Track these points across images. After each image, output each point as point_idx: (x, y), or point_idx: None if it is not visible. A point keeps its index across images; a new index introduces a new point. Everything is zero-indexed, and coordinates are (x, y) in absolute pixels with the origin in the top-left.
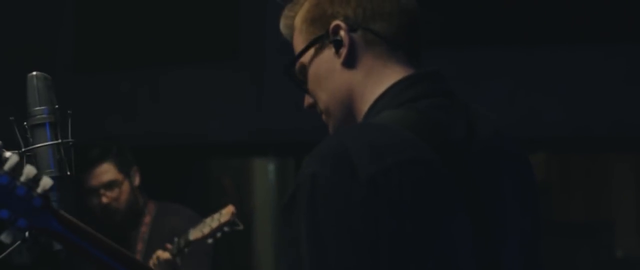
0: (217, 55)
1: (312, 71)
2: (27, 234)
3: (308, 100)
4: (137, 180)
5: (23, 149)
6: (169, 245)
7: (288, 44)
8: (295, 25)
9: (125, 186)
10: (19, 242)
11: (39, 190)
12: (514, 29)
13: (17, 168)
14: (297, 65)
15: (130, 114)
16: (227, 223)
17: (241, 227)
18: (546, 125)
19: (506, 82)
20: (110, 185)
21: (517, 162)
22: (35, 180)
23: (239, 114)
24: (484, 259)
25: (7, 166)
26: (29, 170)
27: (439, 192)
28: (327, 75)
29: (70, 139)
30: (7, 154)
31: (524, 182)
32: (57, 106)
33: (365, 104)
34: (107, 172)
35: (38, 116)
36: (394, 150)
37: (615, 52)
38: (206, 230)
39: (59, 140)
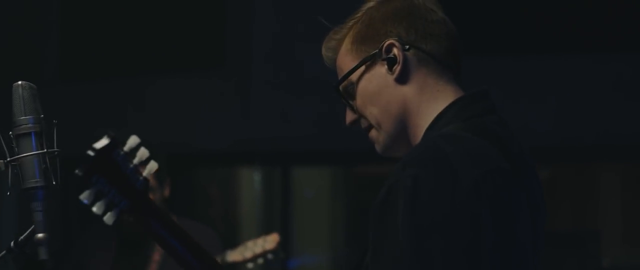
0: (203, 64)
1: (362, 87)
2: (12, 243)
3: (351, 116)
4: (167, 191)
5: (8, 159)
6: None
7: (274, 54)
8: (343, 46)
9: (157, 195)
10: (4, 252)
11: (145, 173)
12: (502, 38)
13: (135, 150)
14: (345, 83)
15: (116, 123)
16: (271, 251)
17: (283, 255)
18: (533, 135)
19: (494, 92)
20: None
21: (537, 177)
22: (145, 163)
23: (225, 123)
24: (534, 263)
25: (127, 146)
26: (143, 153)
27: (516, 201)
28: (379, 90)
29: (55, 149)
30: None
31: (542, 195)
32: (42, 115)
33: (422, 118)
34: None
35: (23, 125)
36: (488, 158)
37: (603, 62)
38: (248, 254)
39: (45, 150)
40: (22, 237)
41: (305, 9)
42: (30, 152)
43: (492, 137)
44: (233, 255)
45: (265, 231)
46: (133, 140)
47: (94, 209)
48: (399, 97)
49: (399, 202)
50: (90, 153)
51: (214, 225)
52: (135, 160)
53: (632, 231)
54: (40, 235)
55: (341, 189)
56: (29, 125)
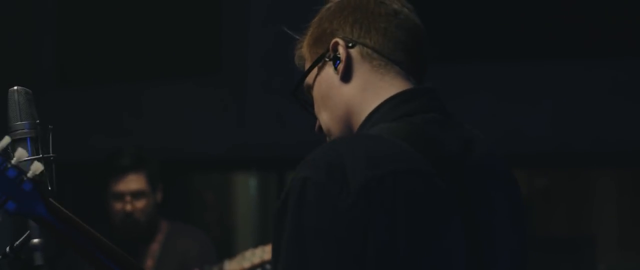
0: (198, 70)
1: (315, 91)
2: (8, 248)
3: (318, 123)
4: (160, 197)
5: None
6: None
7: (269, 60)
8: (303, 52)
9: (150, 199)
10: (0, 258)
11: (30, 174)
12: (497, 44)
13: (8, 150)
14: (305, 88)
15: (112, 129)
16: (269, 261)
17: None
18: (528, 141)
19: (489, 98)
20: (138, 194)
21: (506, 181)
22: (27, 164)
23: (221, 129)
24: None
25: None
26: (21, 153)
27: (435, 205)
28: (328, 92)
29: (51, 154)
30: None
31: (513, 201)
32: (38, 121)
33: (362, 116)
34: (137, 180)
35: (19, 131)
36: (390, 160)
37: (598, 67)
38: (246, 264)
39: (40, 155)
40: (17, 243)
41: (300, 15)
42: (26, 158)
43: (418, 138)
44: (231, 265)
45: (261, 237)
46: (5, 141)
47: None
48: (343, 98)
49: (288, 208)
50: None
51: (209, 230)
52: (14, 161)
53: (627, 237)
54: (35, 240)
55: None
56: (25, 130)
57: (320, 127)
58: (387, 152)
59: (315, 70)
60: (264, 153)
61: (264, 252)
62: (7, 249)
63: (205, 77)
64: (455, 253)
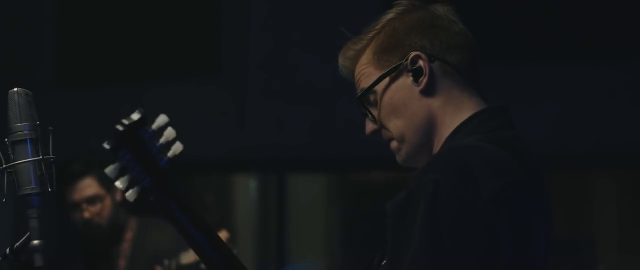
0: (199, 72)
1: (386, 99)
2: (8, 250)
3: (371, 127)
4: (119, 195)
5: (4, 165)
6: (158, 268)
7: (269, 62)
8: (364, 57)
9: (108, 201)
10: (0, 259)
11: (170, 154)
12: (497, 46)
13: (162, 129)
14: (368, 92)
15: (111, 131)
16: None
17: (235, 251)
18: (529, 142)
19: (489, 99)
20: (93, 200)
21: (545, 189)
22: (171, 142)
23: (221, 130)
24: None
25: (155, 125)
26: (170, 132)
27: (532, 212)
28: (404, 102)
29: (51, 155)
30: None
31: (550, 205)
32: (38, 122)
33: (445, 129)
34: (89, 186)
35: (19, 132)
36: (508, 170)
37: (599, 69)
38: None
39: (40, 157)
40: (17, 244)
41: (301, 18)
42: (25, 159)
43: (511, 150)
44: (186, 257)
45: (261, 238)
46: (162, 119)
47: (118, 183)
48: (424, 109)
49: (419, 205)
50: (119, 127)
51: None
52: (162, 140)
53: (627, 238)
54: (35, 242)
55: (336, 197)
56: (25, 132)
57: (374, 130)
58: (502, 163)
59: (386, 79)
60: (264, 155)
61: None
62: (7, 250)
63: (206, 78)
64: (541, 258)
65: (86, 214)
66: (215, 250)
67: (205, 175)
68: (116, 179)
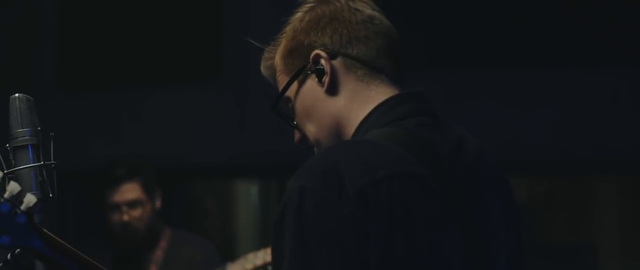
0: (200, 77)
1: (298, 104)
2: (9, 256)
3: (297, 135)
4: (158, 203)
5: (5, 171)
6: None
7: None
8: (276, 64)
9: (148, 207)
10: (1, 265)
11: (23, 207)
12: (498, 51)
13: (2, 184)
14: (284, 101)
15: (113, 136)
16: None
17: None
18: (530, 148)
19: (490, 104)
20: (134, 204)
21: (498, 180)
22: (19, 197)
23: (222, 136)
24: None
25: None
26: (13, 187)
27: (431, 208)
28: (313, 105)
29: (52, 161)
30: None
31: (507, 202)
32: (39, 128)
33: (352, 127)
34: (132, 190)
35: (20, 138)
36: (385, 165)
37: (599, 75)
38: (248, 266)
39: (42, 162)
40: (18, 250)
41: None
42: (27, 165)
43: (410, 142)
44: (234, 268)
45: (262, 243)
46: None
47: None
48: (331, 110)
49: (288, 218)
50: None
51: (210, 237)
52: (6, 195)
53: (628, 244)
54: None
55: None
56: (26, 137)
57: (301, 139)
58: (381, 157)
59: (295, 83)
60: (265, 160)
61: (266, 254)
62: (8, 256)
63: (206, 84)
64: (454, 256)
65: (126, 217)
66: None
67: (206, 181)
68: None
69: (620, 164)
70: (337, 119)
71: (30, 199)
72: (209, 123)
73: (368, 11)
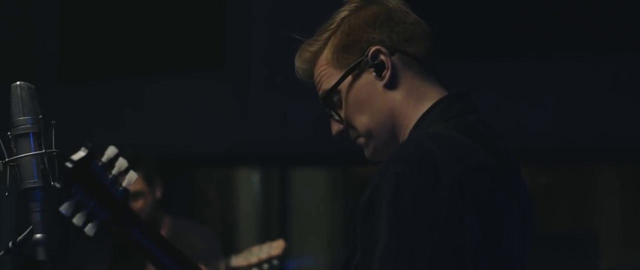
0: (202, 66)
1: (351, 97)
2: (10, 243)
3: (337, 127)
4: (159, 193)
5: (7, 159)
6: (203, 268)
7: (272, 56)
8: (323, 57)
9: (149, 198)
10: (2, 253)
11: (125, 183)
12: (500, 40)
13: (113, 160)
14: (331, 93)
15: (114, 125)
16: (276, 257)
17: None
18: (531, 137)
19: (491, 94)
20: (136, 195)
21: (521, 177)
22: (124, 173)
23: (224, 124)
24: (523, 263)
25: (105, 157)
26: (121, 163)
27: (504, 197)
28: (369, 98)
29: (54, 149)
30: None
31: (528, 196)
32: (41, 116)
33: (409, 120)
34: (135, 182)
35: (22, 126)
36: (469, 155)
37: (601, 64)
38: (253, 259)
39: (43, 150)
40: (20, 238)
41: (303, 12)
42: (28, 153)
43: (476, 135)
44: (237, 261)
45: (264, 233)
46: (111, 151)
47: (74, 220)
48: (388, 103)
49: (383, 199)
50: (69, 165)
51: (212, 226)
52: (114, 171)
53: (630, 233)
54: (38, 235)
55: (339, 190)
56: (28, 125)
57: (341, 130)
58: (464, 148)
59: (349, 77)
60: (267, 149)
61: (271, 248)
62: (10, 244)
63: (208, 73)
64: (518, 243)
65: None
66: (176, 262)
67: (207, 170)
68: (72, 216)
69: (621, 153)
70: (393, 112)
71: (132, 176)
72: (210, 112)
73: (413, 14)
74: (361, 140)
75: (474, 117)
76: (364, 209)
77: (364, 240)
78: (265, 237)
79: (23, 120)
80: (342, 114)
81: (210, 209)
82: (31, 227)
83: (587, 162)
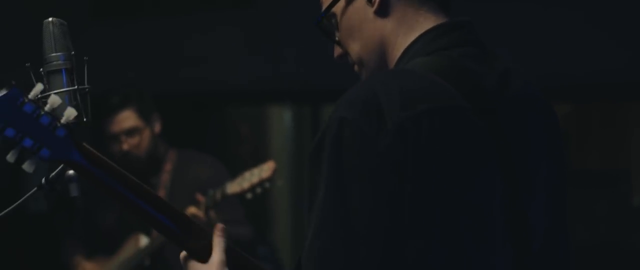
0: (235, 2)
1: (344, 22)
2: (43, 180)
3: (338, 51)
4: (157, 127)
5: (39, 95)
6: (200, 197)
7: None
8: None
9: (146, 133)
10: (35, 189)
11: (63, 120)
12: None
13: (43, 97)
14: (328, 16)
15: (146, 62)
16: (267, 179)
17: (280, 183)
18: (564, 74)
19: (525, 32)
20: (131, 132)
21: (543, 112)
22: (60, 110)
23: (256, 62)
24: (511, 211)
25: (32, 94)
26: (54, 99)
27: (471, 142)
28: (360, 25)
29: (86, 86)
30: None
31: (550, 132)
32: (73, 52)
33: (398, 51)
34: (128, 118)
35: (54, 62)
36: (426, 98)
37: None
38: (245, 184)
39: (76, 87)
40: (52, 174)
41: None
42: (60, 89)
43: (455, 73)
44: (232, 187)
45: (295, 169)
46: (38, 88)
47: (8, 157)
48: (378, 31)
49: (326, 148)
50: None
51: (244, 163)
52: (47, 108)
53: None
54: (70, 172)
55: None
56: (60, 62)
57: (341, 55)
58: (423, 89)
59: (342, 1)
60: (299, 86)
61: (262, 171)
62: (43, 180)
63: (242, 9)
64: (491, 193)
65: (125, 146)
66: (146, 202)
67: (240, 107)
68: (3, 154)
69: None
70: (383, 41)
71: (70, 112)
72: (243, 49)
73: None
74: (356, 67)
75: (465, 50)
76: (312, 153)
77: (312, 188)
78: (296, 173)
79: (55, 57)
80: (340, 39)
81: (242, 146)
82: (63, 163)
83: (621, 98)
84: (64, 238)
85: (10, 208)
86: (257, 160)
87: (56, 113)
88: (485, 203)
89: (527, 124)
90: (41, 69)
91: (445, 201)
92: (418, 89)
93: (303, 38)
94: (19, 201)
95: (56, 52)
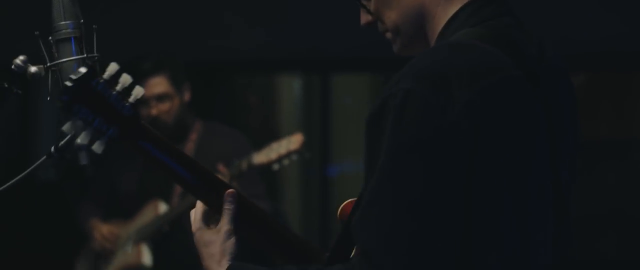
0: None
1: None
2: (52, 148)
3: (366, 18)
4: (187, 96)
5: (48, 64)
6: (223, 168)
7: None
8: None
9: (176, 101)
10: (44, 157)
11: (131, 99)
12: None
13: (116, 77)
14: None
15: (156, 33)
16: (295, 151)
17: (308, 155)
18: (575, 42)
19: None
20: (162, 98)
21: (568, 80)
22: (129, 88)
23: (265, 30)
24: (556, 181)
25: (106, 74)
26: (125, 79)
27: (530, 111)
28: None
29: (95, 54)
30: (33, 68)
31: (574, 100)
32: (82, 20)
33: (437, 22)
34: (159, 84)
35: (63, 30)
36: (489, 71)
37: None
38: (273, 155)
39: (85, 55)
40: (62, 143)
41: None
42: (70, 57)
43: (504, 42)
44: (259, 158)
45: (305, 138)
46: (112, 68)
47: (79, 140)
48: (416, 1)
49: (388, 117)
50: (68, 83)
51: (253, 133)
52: (118, 87)
53: None
54: (80, 140)
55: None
56: (69, 30)
57: (370, 22)
58: (485, 63)
59: None
60: (309, 54)
61: (290, 142)
62: (52, 148)
63: None
64: (545, 159)
65: (154, 111)
66: (205, 185)
67: (249, 76)
68: (76, 135)
69: None
70: (422, 11)
71: (138, 91)
72: (252, 17)
73: None
74: (389, 35)
75: (505, 20)
76: (371, 121)
77: (369, 156)
78: (306, 142)
79: (64, 25)
80: (371, 6)
81: (252, 115)
82: (73, 132)
83: (632, 67)
84: (79, 201)
85: (19, 177)
86: (266, 130)
87: (125, 92)
88: (543, 170)
89: (559, 92)
90: (50, 38)
91: (513, 171)
92: (482, 62)
93: (313, 5)
94: (28, 170)
95: (65, 21)
